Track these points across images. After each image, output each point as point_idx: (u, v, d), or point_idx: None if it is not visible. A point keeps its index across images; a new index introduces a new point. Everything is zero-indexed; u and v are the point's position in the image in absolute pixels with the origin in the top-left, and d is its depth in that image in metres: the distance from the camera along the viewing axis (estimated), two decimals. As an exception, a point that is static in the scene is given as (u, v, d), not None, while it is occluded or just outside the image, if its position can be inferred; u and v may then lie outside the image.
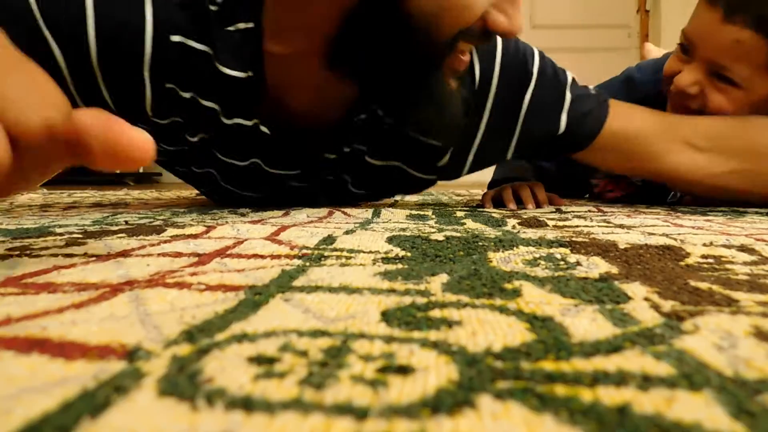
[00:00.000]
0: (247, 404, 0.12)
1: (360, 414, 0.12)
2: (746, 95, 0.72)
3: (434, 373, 0.14)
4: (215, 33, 0.56)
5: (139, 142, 0.27)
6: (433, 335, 0.18)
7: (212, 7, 0.55)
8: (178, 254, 0.32)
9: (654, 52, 1.17)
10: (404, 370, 0.15)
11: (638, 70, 0.93)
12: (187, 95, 0.58)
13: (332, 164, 0.68)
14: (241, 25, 0.56)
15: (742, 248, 0.35)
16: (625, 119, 0.72)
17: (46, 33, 0.51)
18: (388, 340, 0.17)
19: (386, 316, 0.20)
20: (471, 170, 0.74)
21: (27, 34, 0.50)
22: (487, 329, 0.18)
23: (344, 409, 0.12)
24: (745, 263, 0.30)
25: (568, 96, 0.70)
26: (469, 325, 0.19)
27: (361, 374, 0.14)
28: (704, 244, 0.36)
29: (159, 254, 0.32)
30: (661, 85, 0.81)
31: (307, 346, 0.16)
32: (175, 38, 0.55)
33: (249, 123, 0.60)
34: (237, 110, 0.60)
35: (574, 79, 0.72)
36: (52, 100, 0.25)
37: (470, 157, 0.71)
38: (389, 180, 0.72)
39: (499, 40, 0.68)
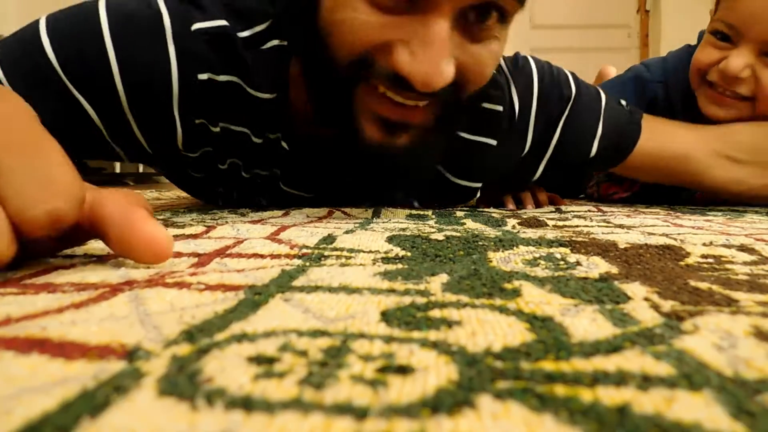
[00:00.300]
0: (247, 404, 0.12)
1: (360, 414, 0.12)
2: None
3: (434, 373, 0.14)
4: (246, 56, 0.54)
5: (159, 240, 0.27)
6: (432, 335, 0.18)
7: (242, 34, 0.54)
8: (178, 254, 0.32)
9: (613, 72, 1.19)
10: (404, 370, 0.15)
11: (647, 69, 0.93)
12: (217, 129, 0.58)
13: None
14: (275, 42, 0.55)
15: (742, 248, 0.35)
16: (660, 139, 0.72)
17: (75, 92, 0.51)
18: (388, 340, 0.17)
19: (386, 316, 0.20)
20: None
21: (56, 96, 0.50)
22: (487, 329, 0.18)
23: (344, 409, 0.12)
24: (745, 263, 0.30)
25: (602, 120, 0.69)
26: (469, 325, 0.19)
27: (361, 374, 0.14)
28: (704, 244, 0.36)
29: (159, 254, 0.32)
30: (690, 79, 0.81)
31: (306, 346, 0.16)
32: (203, 77, 0.54)
33: (272, 137, 0.60)
34: (266, 128, 0.59)
35: (607, 96, 0.71)
36: (62, 188, 0.24)
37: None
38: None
39: (533, 66, 0.67)
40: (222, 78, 0.55)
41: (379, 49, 0.45)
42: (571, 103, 0.67)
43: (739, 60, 0.73)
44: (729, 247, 0.35)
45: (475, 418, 0.12)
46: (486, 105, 0.64)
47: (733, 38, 0.74)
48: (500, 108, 0.64)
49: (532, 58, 0.69)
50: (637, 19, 2.96)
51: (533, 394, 0.13)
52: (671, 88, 0.87)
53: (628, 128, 0.71)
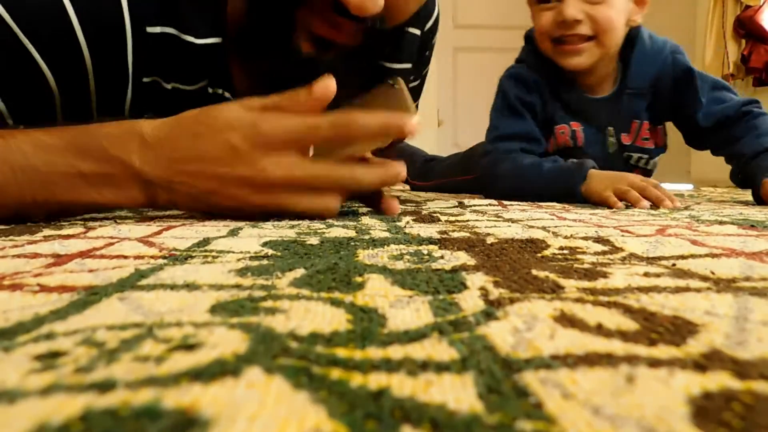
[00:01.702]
0: None
1: (106, 387, 0.12)
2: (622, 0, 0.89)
3: (221, 348, 0.15)
4: (183, 6, 0.55)
5: None
6: (246, 320, 0.18)
7: None
8: (36, 255, 0.31)
9: None
10: (191, 347, 0.15)
11: (510, 70, 1.02)
12: (169, 86, 0.58)
13: None
14: None
15: (599, 239, 0.37)
16: None
17: (27, 44, 0.49)
18: (198, 326, 0.17)
19: (214, 308, 0.20)
20: None
21: (6, 49, 0.49)
22: (307, 318, 0.19)
23: (94, 386, 0.12)
24: (595, 253, 0.32)
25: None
26: (292, 314, 0.19)
27: (147, 355, 0.14)
28: (565, 237, 0.38)
29: (15, 255, 0.31)
30: (542, 50, 0.94)
31: (107, 338, 0.16)
32: (152, 29, 0.54)
33: (218, 92, 0.61)
34: (209, 80, 0.60)
35: None
36: None
37: None
38: None
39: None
40: (165, 30, 0.55)
41: None
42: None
43: (570, 6, 0.87)
44: (587, 238, 0.37)
45: (232, 386, 0.13)
46: (408, 29, 0.72)
47: None
48: (418, 32, 0.74)
49: None
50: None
51: (306, 373, 0.13)
52: (536, 67, 0.98)
53: None
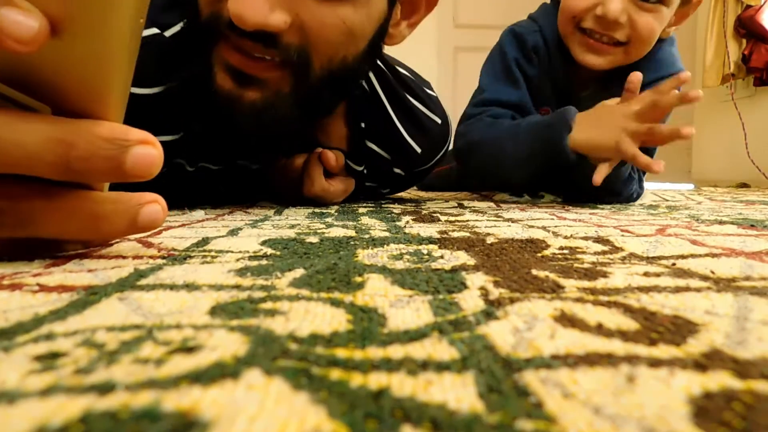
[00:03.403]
0: None
1: (104, 389, 0.12)
2: (669, 11, 0.76)
3: (221, 350, 0.15)
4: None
5: None
6: (246, 322, 0.18)
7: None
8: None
9: None
10: (191, 350, 0.15)
11: (515, 26, 0.92)
12: None
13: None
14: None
15: (599, 239, 0.37)
16: None
17: None
18: (198, 328, 0.17)
19: (214, 310, 0.20)
20: None
21: None
22: (308, 319, 0.19)
23: (94, 388, 0.12)
24: (595, 253, 0.32)
25: None
26: (292, 315, 0.19)
27: (146, 357, 0.14)
28: (565, 237, 0.38)
29: (14, 256, 0.31)
30: (560, 29, 0.82)
31: (107, 339, 0.16)
32: None
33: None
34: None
35: None
36: None
37: None
38: None
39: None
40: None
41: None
42: None
43: (617, 4, 0.73)
44: (587, 238, 0.37)
45: (231, 387, 0.12)
46: (373, 147, 0.76)
47: None
48: (400, 172, 0.82)
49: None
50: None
51: (306, 374, 0.13)
52: (546, 35, 0.86)
53: None
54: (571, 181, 0.76)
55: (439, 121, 0.80)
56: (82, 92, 0.25)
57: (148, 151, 0.26)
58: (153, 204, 0.28)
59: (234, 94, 0.54)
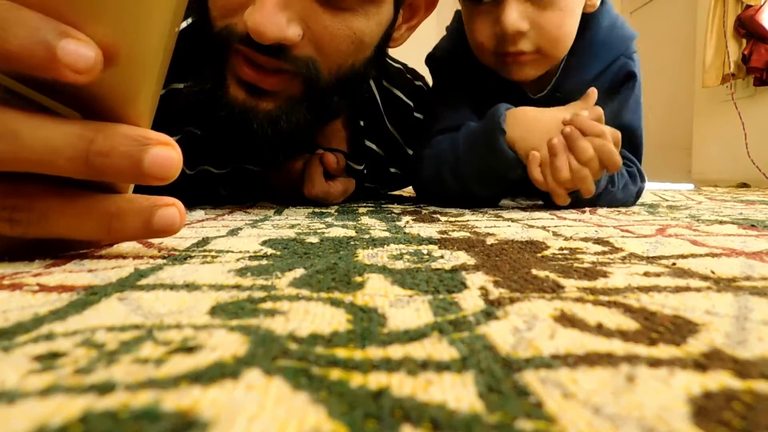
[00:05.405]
0: None
1: (104, 389, 0.12)
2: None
3: (221, 350, 0.15)
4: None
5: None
6: (246, 322, 0.18)
7: None
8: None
9: None
10: (191, 350, 0.15)
11: (436, 50, 0.87)
12: None
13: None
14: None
15: (599, 240, 0.37)
16: None
17: None
18: (198, 328, 0.17)
19: (214, 310, 0.20)
20: None
21: None
22: (307, 319, 0.19)
23: (93, 388, 0.12)
24: (595, 253, 0.32)
25: None
26: (292, 315, 0.19)
27: (146, 357, 0.14)
28: (565, 238, 0.38)
29: (14, 256, 0.31)
30: (483, 61, 0.76)
31: (107, 339, 0.16)
32: None
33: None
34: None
35: None
36: None
37: None
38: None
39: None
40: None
41: (239, 12, 0.50)
42: None
43: (511, 15, 0.67)
44: (587, 239, 0.37)
45: (231, 387, 0.12)
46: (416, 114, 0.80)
47: None
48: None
49: None
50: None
51: (306, 374, 0.13)
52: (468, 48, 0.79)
53: None
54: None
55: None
56: (114, 101, 0.25)
57: (167, 152, 0.26)
58: (170, 207, 0.28)
59: (249, 105, 0.55)
